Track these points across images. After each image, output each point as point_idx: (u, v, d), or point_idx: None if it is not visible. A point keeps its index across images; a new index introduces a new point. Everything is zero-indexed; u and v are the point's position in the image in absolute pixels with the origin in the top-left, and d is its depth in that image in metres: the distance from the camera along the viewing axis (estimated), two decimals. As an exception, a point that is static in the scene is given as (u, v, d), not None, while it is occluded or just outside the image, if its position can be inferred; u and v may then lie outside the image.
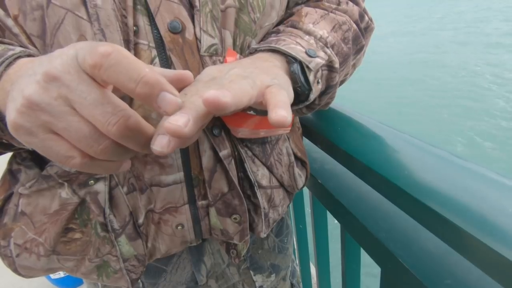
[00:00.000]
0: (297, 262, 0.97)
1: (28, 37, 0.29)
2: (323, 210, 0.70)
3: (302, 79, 0.33)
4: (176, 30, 0.31)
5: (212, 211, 0.40)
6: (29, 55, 0.27)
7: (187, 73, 0.26)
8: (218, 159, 0.37)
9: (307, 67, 0.33)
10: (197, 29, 0.32)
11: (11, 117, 0.20)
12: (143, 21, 0.31)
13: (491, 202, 0.27)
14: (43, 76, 0.20)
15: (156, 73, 0.20)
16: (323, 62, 0.35)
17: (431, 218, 0.30)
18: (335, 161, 0.52)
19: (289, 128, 0.44)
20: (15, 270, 0.38)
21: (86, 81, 0.20)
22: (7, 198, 0.36)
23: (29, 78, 0.21)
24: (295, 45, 0.34)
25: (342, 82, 0.44)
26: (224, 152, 0.37)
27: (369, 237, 0.43)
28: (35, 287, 1.49)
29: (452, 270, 0.34)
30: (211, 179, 0.37)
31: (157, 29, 0.31)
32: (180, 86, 0.26)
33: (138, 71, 0.19)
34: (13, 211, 0.35)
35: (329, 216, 0.65)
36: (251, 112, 0.34)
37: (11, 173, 0.37)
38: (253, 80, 0.25)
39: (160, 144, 0.21)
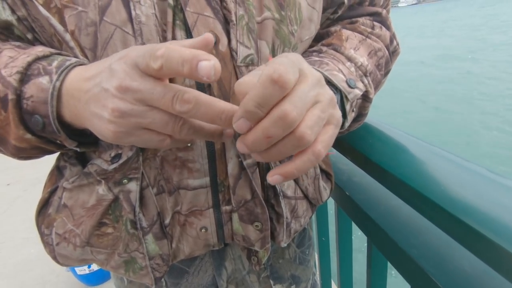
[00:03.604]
0: (318, 276, 0.95)
1: (82, 49, 0.32)
2: (349, 223, 0.69)
3: (340, 109, 0.34)
4: None
5: (235, 216, 0.41)
6: (82, 65, 0.31)
7: (208, 37, 0.26)
8: (243, 167, 0.38)
9: (346, 97, 0.35)
10: (233, 42, 0.34)
11: (109, 129, 0.25)
12: (180, 35, 0.33)
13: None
14: (117, 90, 0.24)
15: (192, 49, 0.22)
16: (360, 94, 0.37)
17: (469, 236, 0.29)
18: (364, 173, 0.52)
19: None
20: (54, 258, 0.41)
21: (149, 81, 0.24)
22: (53, 191, 0.40)
23: (104, 94, 0.25)
24: (337, 72, 0.36)
25: None
26: (249, 161, 0.38)
27: (398, 253, 0.42)
28: (62, 281, 1.55)
29: (490, 292, 0.32)
30: (235, 186, 0.39)
31: None
32: (206, 50, 0.26)
33: (182, 55, 0.22)
34: (57, 203, 0.39)
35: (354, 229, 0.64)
36: None
37: (58, 169, 0.40)
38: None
39: (239, 127, 0.23)
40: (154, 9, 0.31)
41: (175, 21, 0.33)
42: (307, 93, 0.23)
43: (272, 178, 0.25)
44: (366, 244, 0.57)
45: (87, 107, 0.26)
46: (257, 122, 0.23)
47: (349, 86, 0.36)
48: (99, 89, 0.25)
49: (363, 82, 0.38)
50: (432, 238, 0.40)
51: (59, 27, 0.32)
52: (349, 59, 0.39)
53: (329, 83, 0.35)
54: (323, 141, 0.25)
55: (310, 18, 0.39)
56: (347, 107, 0.36)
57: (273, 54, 0.37)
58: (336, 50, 0.40)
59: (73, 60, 0.30)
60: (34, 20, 0.33)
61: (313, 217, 0.88)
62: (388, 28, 0.45)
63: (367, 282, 0.59)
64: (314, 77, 0.25)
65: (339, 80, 0.35)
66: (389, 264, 0.51)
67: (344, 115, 0.36)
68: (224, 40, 0.34)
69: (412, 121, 5.52)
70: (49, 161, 0.42)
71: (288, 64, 0.23)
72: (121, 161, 0.35)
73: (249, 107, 0.22)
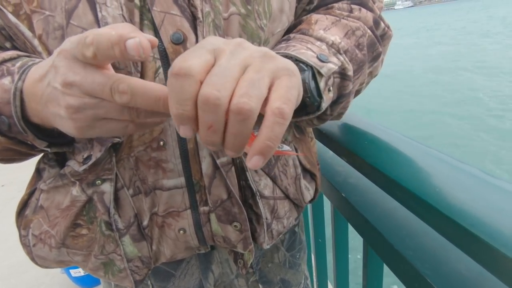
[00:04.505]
0: (315, 279, 0.95)
1: (50, 54, 0.32)
2: (345, 224, 0.69)
3: (314, 87, 0.32)
4: (178, 41, 0.33)
5: (213, 217, 0.40)
6: None
7: (153, 41, 0.24)
8: (217, 166, 0.37)
9: (319, 72, 0.32)
10: (200, 39, 0.33)
11: (70, 126, 0.25)
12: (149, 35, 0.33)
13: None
14: (63, 86, 0.23)
15: (118, 30, 0.22)
16: (335, 68, 0.33)
17: (464, 238, 0.29)
18: (360, 175, 0.51)
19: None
20: (33, 259, 0.41)
21: (90, 72, 0.23)
22: (32, 193, 0.40)
23: (55, 92, 0.24)
24: (306, 50, 0.33)
25: (358, 92, 0.43)
26: (222, 160, 0.37)
27: (394, 255, 0.42)
28: (56, 283, 1.53)
29: (485, 294, 0.32)
30: (210, 185, 0.38)
31: (161, 41, 0.33)
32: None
33: (109, 38, 0.21)
34: (34, 204, 0.39)
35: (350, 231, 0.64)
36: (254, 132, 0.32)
37: (38, 171, 0.41)
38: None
39: (185, 134, 0.22)
40: (122, 10, 0.31)
41: (143, 21, 0.32)
42: (226, 66, 0.21)
43: (251, 163, 0.22)
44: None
45: (47, 109, 0.26)
46: (196, 122, 0.21)
47: (321, 61, 0.32)
48: (50, 89, 0.25)
49: (338, 58, 0.34)
50: (428, 240, 0.40)
51: (28, 33, 0.32)
52: (319, 39, 0.35)
53: (298, 62, 0.32)
54: (279, 96, 0.21)
55: (281, 9, 0.38)
56: (321, 84, 0.32)
57: None
58: (304, 33, 0.37)
59: (37, 61, 0.30)
60: (9, 28, 0.33)
61: (309, 219, 0.88)
62: (371, 10, 0.42)
63: (363, 284, 0.59)
64: (231, 45, 0.23)
65: (308, 56, 0.32)
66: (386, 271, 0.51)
67: (320, 95, 0.33)
68: (192, 38, 0.33)
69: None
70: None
71: (189, 51, 0.22)
72: (90, 162, 0.35)
73: (173, 112, 0.21)
